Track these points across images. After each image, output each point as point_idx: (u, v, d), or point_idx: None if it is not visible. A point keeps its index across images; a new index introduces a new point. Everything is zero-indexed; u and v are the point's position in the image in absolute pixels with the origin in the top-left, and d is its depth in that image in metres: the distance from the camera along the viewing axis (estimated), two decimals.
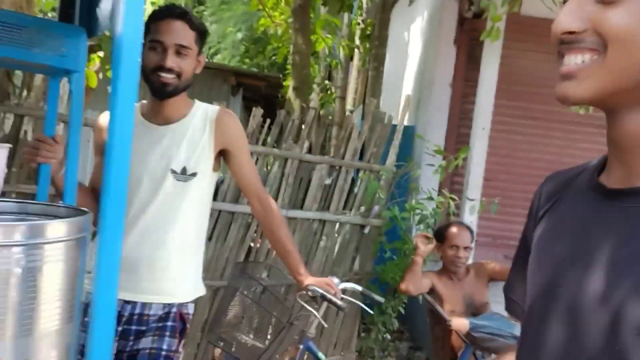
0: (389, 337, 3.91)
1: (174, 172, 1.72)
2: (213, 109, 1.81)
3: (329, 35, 5.80)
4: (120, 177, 0.89)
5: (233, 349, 2.06)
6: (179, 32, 1.63)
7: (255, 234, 3.21)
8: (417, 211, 3.64)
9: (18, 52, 1.32)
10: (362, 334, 3.74)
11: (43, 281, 0.90)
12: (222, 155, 1.83)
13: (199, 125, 1.77)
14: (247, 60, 9.18)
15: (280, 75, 7.05)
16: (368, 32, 5.17)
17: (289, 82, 5.71)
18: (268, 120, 3.23)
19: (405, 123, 4.33)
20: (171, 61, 1.63)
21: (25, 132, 2.67)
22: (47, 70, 1.59)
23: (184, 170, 1.72)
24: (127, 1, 0.89)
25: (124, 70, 0.87)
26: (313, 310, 1.89)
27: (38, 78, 2.69)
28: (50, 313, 0.92)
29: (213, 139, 1.77)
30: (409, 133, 4.55)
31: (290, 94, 4.79)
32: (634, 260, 0.63)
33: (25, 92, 2.67)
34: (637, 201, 0.65)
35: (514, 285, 0.88)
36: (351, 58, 6.88)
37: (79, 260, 0.97)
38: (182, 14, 1.69)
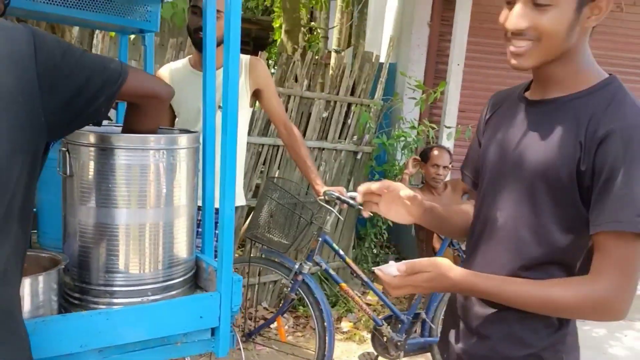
0: (379, 249, 4.55)
1: (220, 107, 2.22)
2: (246, 57, 2.29)
3: None
4: (232, 112, 1.39)
5: (265, 246, 2.65)
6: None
7: (264, 161, 3.73)
8: (402, 138, 4.20)
9: (114, 19, 1.78)
10: (358, 243, 4.36)
11: (178, 172, 1.42)
12: (255, 95, 2.33)
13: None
14: None
15: (270, 18, 7.34)
16: None
17: (279, 24, 6.06)
18: (272, 63, 3.68)
19: (391, 60, 4.80)
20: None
21: None
22: (121, 30, 2.04)
23: None
24: None
25: (232, 32, 1.36)
26: (331, 208, 2.46)
27: (75, 30, 3.09)
28: (182, 192, 1.44)
29: (249, 81, 2.26)
30: (392, 70, 5.02)
31: (282, 36, 5.18)
32: (537, 139, 1.12)
33: None
34: (546, 106, 1.14)
35: (467, 165, 1.40)
36: None
37: (195, 161, 1.49)
38: None
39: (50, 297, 1.25)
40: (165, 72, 2.34)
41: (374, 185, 1.29)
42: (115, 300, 1.35)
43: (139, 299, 1.36)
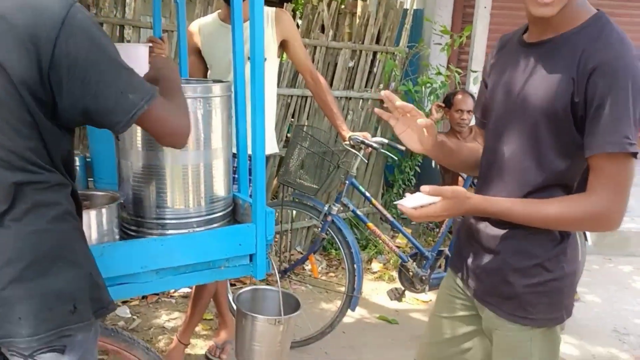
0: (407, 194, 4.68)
1: (249, 59, 2.36)
2: (272, 9, 2.40)
3: None
4: (259, 62, 1.53)
5: (296, 190, 2.83)
6: None
7: (294, 111, 3.88)
8: (428, 85, 4.26)
9: None
10: (386, 190, 4.51)
11: (213, 118, 1.58)
12: (282, 46, 2.45)
13: (264, 22, 2.38)
14: None
15: None
16: None
17: None
18: (297, 14, 3.77)
19: (415, 6, 4.79)
20: None
21: None
22: None
23: None
24: None
25: None
26: (357, 152, 2.61)
27: None
28: (218, 136, 1.60)
29: (275, 32, 2.38)
30: (418, 16, 5.01)
31: None
32: (537, 78, 1.25)
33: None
34: (542, 47, 1.26)
35: (477, 107, 1.54)
36: None
37: (228, 109, 1.66)
38: None
39: (112, 227, 1.46)
40: (195, 27, 2.48)
41: (397, 102, 1.36)
42: (166, 232, 1.56)
43: (186, 230, 1.56)
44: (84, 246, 1.17)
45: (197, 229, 1.57)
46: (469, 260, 1.43)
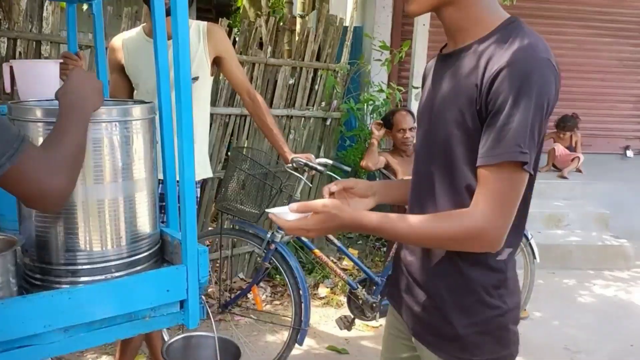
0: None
1: (174, 78, 2.15)
2: (203, 24, 2.22)
3: None
4: (185, 79, 1.34)
5: (236, 217, 2.62)
6: None
7: (232, 131, 3.67)
8: (370, 102, 4.17)
9: None
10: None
11: (134, 145, 1.37)
12: (216, 63, 2.26)
13: (194, 38, 2.18)
14: None
15: None
16: None
17: None
18: (234, 30, 3.59)
19: (354, 24, 4.73)
20: None
21: (20, 53, 2.97)
22: None
23: None
24: None
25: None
26: (300, 175, 2.44)
27: (23, 2, 2.94)
28: (140, 165, 1.39)
29: (208, 48, 2.19)
30: (358, 33, 4.95)
31: (244, 2, 5.04)
32: (447, 89, 1.15)
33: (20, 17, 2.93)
34: (454, 57, 1.16)
35: None
36: None
37: (152, 133, 1.45)
38: None
39: (8, 279, 1.21)
40: (118, 42, 2.26)
41: (332, 188, 1.33)
42: (78, 279, 1.32)
43: (102, 277, 1.33)
44: None
45: (117, 274, 1.34)
46: (405, 296, 1.30)
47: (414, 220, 1.11)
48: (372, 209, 1.26)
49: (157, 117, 1.50)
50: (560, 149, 5.52)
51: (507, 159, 1.01)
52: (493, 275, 1.15)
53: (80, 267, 1.32)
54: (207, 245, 3.62)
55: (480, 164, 1.05)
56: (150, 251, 1.44)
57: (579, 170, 5.51)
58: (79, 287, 1.28)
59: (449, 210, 1.13)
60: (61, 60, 1.80)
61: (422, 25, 4.69)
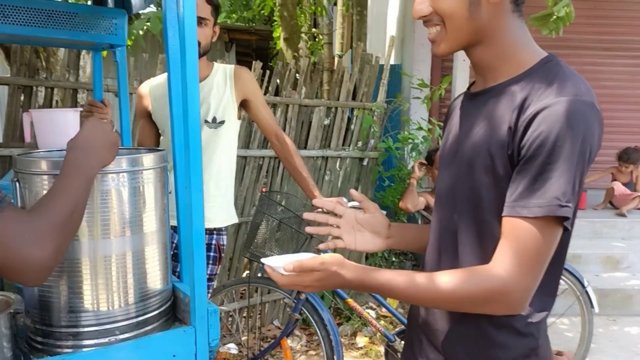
0: (393, 257, 4.38)
1: (207, 122, 2.10)
2: (230, 67, 2.17)
3: None
4: (195, 129, 1.26)
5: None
6: (198, 6, 1.97)
7: (266, 174, 3.61)
8: (409, 141, 4.03)
9: (79, 35, 1.67)
10: (370, 254, 4.20)
11: (142, 196, 1.29)
12: (243, 105, 2.20)
13: (221, 81, 2.13)
14: (233, 16, 9.34)
15: (270, 28, 7.25)
16: None
17: (279, 34, 5.96)
18: (268, 72, 3.56)
19: (392, 62, 4.64)
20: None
21: (57, 102, 3.01)
22: (93, 47, 1.93)
23: (214, 119, 2.10)
24: None
25: (189, 41, 1.23)
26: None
27: (60, 52, 3.01)
28: (150, 217, 1.31)
29: (234, 91, 2.14)
30: (396, 71, 4.87)
31: (281, 45, 5.07)
32: (475, 130, 1.02)
33: (55, 67, 2.99)
34: (483, 96, 1.05)
35: None
36: (335, 4, 7.09)
37: (163, 182, 1.37)
38: None
39: (2, 344, 1.13)
40: (145, 89, 2.23)
41: (329, 205, 1.32)
42: (81, 342, 1.22)
43: (106, 339, 1.23)
44: None
45: (122, 336, 1.24)
46: (419, 356, 1.16)
47: (426, 280, 0.97)
48: None
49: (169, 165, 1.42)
50: (620, 188, 5.19)
51: (545, 213, 0.88)
52: (523, 341, 1.00)
53: (83, 329, 1.23)
54: (242, 293, 3.52)
55: (510, 214, 0.91)
56: (160, 310, 1.34)
57: (638, 208, 5.16)
58: (81, 352, 1.18)
59: (471, 264, 1.00)
60: (81, 109, 1.76)
61: (462, 61, 4.56)
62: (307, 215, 1.34)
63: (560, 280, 2.74)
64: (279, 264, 1.06)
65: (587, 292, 2.80)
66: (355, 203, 2.52)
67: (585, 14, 5.65)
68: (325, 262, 1.01)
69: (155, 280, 1.33)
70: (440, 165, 1.16)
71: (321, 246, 1.30)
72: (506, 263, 0.91)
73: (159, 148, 1.48)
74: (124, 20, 1.75)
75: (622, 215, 4.98)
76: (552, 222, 0.89)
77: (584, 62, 5.93)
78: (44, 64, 2.98)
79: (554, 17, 3.52)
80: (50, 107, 2.99)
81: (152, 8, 3.30)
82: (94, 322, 1.23)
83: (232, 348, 3.27)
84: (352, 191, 1.36)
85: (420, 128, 4.09)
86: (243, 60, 5.56)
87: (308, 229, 1.34)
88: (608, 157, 5.45)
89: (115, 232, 1.25)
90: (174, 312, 1.41)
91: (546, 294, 1.02)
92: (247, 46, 7.80)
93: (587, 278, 3.07)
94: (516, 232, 0.90)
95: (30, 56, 2.92)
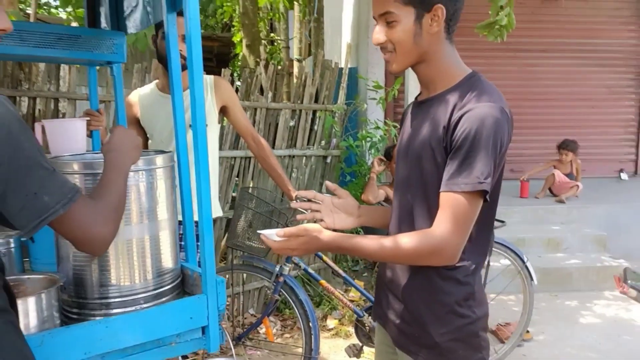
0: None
1: (191, 125, 2.35)
2: (210, 77, 2.44)
3: None
4: (201, 129, 1.53)
5: (245, 253, 2.78)
6: (182, 26, 2.23)
7: (237, 173, 3.87)
8: (368, 139, 4.38)
9: (84, 54, 1.92)
10: None
11: (157, 190, 1.56)
12: (222, 111, 2.48)
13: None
14: None
15: (230, 35, 7.48)
16: None
17: (239, 38, 6.21)
18: (236, 78, 3.82)
19: (350, 65, 4.97)
20: (180, 47, 2.23)
21: (39, 110, 3.20)
22: (90, 62, 2.16)
23: None
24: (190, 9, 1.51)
25: (195, 56, 1.51)
26: (304, 210, 2.60)
27: (41, 64, 3.19)
28: (162, 207, 1.57)
29: (215, 99, 2.41)
30: (353, 74, 5.20)
31: (244, 50, 5.33)
32: (420, 130, 1.35)
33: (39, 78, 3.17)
34: (426, 104, 1.37)
35: None
36: (292, 9, 7.39)
37: (172, 178, 1.64)
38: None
39: (52, 312, 1.38)
40: (134, 97, 2.47)
41: (330, 185, 1.58)
42: (111, 311, 1.48)
43: (132, 308, 1.49)
44: (19, 343, 1.09)
45: (145, 305, 1.51)
46: (388, 312, 1.47)
47: (385, 240, 1.29)
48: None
49: (174, 165, 1.69)
50: (560, 176, 5.67)
51: (470, 189, 1.20)
52: (462, 288, 1.33)
53: (112, 300, 1.49)
54: None
55: (444, 190, 1.24)
56: (173, 284, 1.61)
57: (576, 196, 5.66)
58: (112, 317, 1.44)
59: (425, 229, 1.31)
60: (88, 118, 2.00)
61: None
62: (294, 205, 1.63)
63: (504, 258, 3.13)
64: (272, 232, 1.36)
65: (527, 267, 3.20)
66: (323, 195, 2.81)
67: (525, 19, 6.15)
68: (308, 228, 1.32)
69: (167, 259, 1.60)
70: (397, 159, 1.49)
71: (299, 217, 1.60)
72: (442, 226, 1.23)
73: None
74: (123, 40, 2.00)
75: (562, 202, 5.48)
76: (475, 195, 1.22)
77: (525, 64, 6.43)
78: (25, 75, 3.15)
79: (498, 25, 3.93)
80: (34, 115, 3.17)
81: None
82: (120, 294, 1.50)
83: None
84: (327, 182, 1.66)
85: (377, 127, 4.44)
86: (205, 65, 5.75)
87: (299, 217, 1.62)
88: (549, 151, 5.95)
89: (135, 219, 1.51)
90: (183, 287, 1.68)
91: (479, 253, 1.36)
92: (210, 52, 8.02)
93: (531, 259, 3.47)
94: (449, 203, 1.23)
95: (13, 68, 3.10)
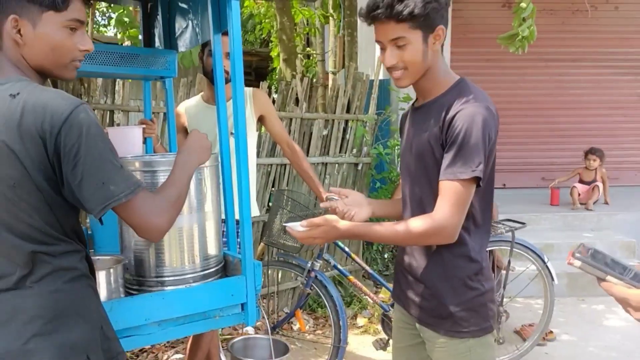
0: (389, 252, 4.90)
1: (232, 133, 2.64)
2: (249, 89, 2.71)
3: (305, 8, 6.61)
4: (242, 136, 1.80)
5: (281, 250, 3.04)
6: (226, 44, 2.51)
7: (274, 180, 4.14)
8: (397, 147, 4.59)
9: (141, 70, 2.22)
10: (366, 247, 4.73)
11: (205, 186, 1.82)
12: (260, 120, 2.75)
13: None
14: None
15: (268, 49, 7.84)
16: (339, 2, 5.99)
17: (277, 53, 6.53)
18: (273, 89, 4.11)
19: (381, 77, 5.21)
20: (224, 63, 2.51)
21: None
22: (145, 77, 2.47)
23: None
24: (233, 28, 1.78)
25: (237, 71, 1.77)
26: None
27: (99, 79, 3.54)
28: (209, 200, 1.83)
29: (253, 109, 2.68)
30: (384, 86, 5.43)
31: (281, 64, 5.64)
32: (420, 131, 1.57)
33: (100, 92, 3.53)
34: (422, 109, 1.59)
35: None
36: (327, 23, 7.70)
37: (217, 177, 1.90)
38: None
39: (118, 286, 1.66)
40: (181, 109, 2.77)
41: (332, 191, 1.85)
42: (165, 288, 1.75)
43: (183, 286, 1.76)
44: (96, 303, 1.35)
45: (193, 284, 1.77)
46: (407, 291, 1.68)
47: (395, 224, 1.52)
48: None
49: (219, 165, 1.96)
50: (580, 186, 5.70)
51: (465, 176, 1.42)
52: (473, 265, 1.54)
53: (166, 278, 1.76)
54: None
55: (442, 179, 1.46)
56: (217, 267, 1.87)
57: (606, 203, 5.70)
58: (167, 290, 1.71)
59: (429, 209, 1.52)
60: (144, 126, 2.30)
61: None
62: (324, 204, 1.85)
63: (526, 259, 3.27)
64: (296, 224, 1.59)
65: (547, 267, 3.34)
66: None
67: (556, 29, 6.27)
68: (327, 218, 1.55)
69: (212, 246, 1.86)
70: (402, 157, 1.71)
71: (323, 205, 1.82)
72: (441, 209, 1.45)
73: None
74: (175, 57, 2.30)
75: (590, 209, 5.54)
76: (470, 181, 1.43)
77: (556, 73, 6.53)
78: (85, 89, 3.51)
79: (519, 36, 4.10)
80: None
81: None
82: (173, 274, 1.76)
83: (250, 330, 3.78)
84: (332, 188, 1.88)
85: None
86: (244, 78, 6.08)
87: (323, 205, 1.86)
88: (576, 159, 6.01)
89: (185, 211, 1.78)
90: (224, 271, 1.94)
91: (484, 233, 1.58)
92: (248, 66, 8.39)
93: (559, 265, 3.59)
94: (447, 189, 1.45)
95: (74, 83, 3.46)
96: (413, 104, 1.70)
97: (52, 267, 1.24)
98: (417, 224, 1.48)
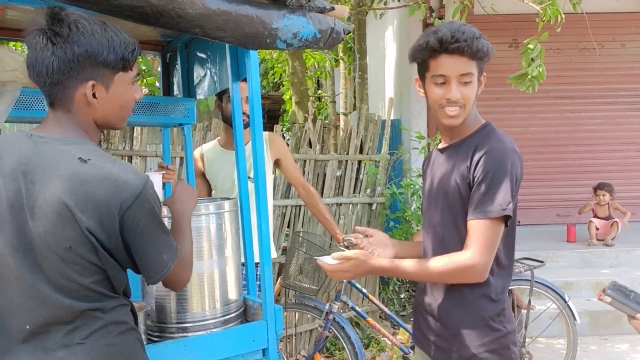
0: (405, 292, 4.86)
1: (249, 177, 2.68)
2: (266, 134, 2.76)
3: (316, 52, 6.76)
4: (261, 180, 1.83)
5: (298, 293, 3.03)
6: (243, 90, 2.58)
7: (289, 222, 4.16)
8: (411, 187, 4.60)
9: (162, 118, 2.28)
10: (383, 287, 4.69)
11: (225, 231, 1.85)
12: (276, 163, 2.79)
13: None
14: None
15: (280, 93, 7.99)
16: (349, 46, 6.13)
17: (290, 97, 6.66)
18: (286, 131, 4.17)
19: (392, 117, 5.27)
20: (244, 108, 2.56)
21: None
22: (164, 124, 2.54)
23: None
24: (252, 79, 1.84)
25: (256, 116, 1.82)
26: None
27: None
28: (229, 245, 1.86)
29: (270, 153, 2.73)
30: (396, 125, 5.49)
31: (293, 107, 5.74)
32: (446, 171, 1.59)
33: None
34: (449, 150, 1.62)
35: None
36: (337, 66, 7.86)
37: (237, 221, 1.93)
38: None
39: (142, 332, 1.66)
40: (198, 154, 2.83)
41: (359, 233, 1.85)
42: (187, 335, 1.76)
43: (204, 332, 1.76)
44: (144, 354, 1.36)
45: (214, 330, 1.77)
46: (428, 333, 1.67)
47: (423, 261, 1.54)
48: None
49: (238, 210, 1.98)
50: (596, 222, 5.66)
51: (494, 215, 1.44)
52: (494, 305, 1.54)
53: (188, 324, 1.76)
54: None
55: (471, 218, 1.48)
56: (237, 312, 1.87)
57: (618, 231, 5.61)
58: (189, 337, 1.71)
59: (452, 248, 1.53)
60: (163, 172, 2.35)
61: None
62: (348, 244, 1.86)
63: (546, 298, 3.24)
64: (327, 257, 1.61)
65: (569, 307, 3.28)
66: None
67: (563, 67, 6.34)
68: (358, 253, 1.57)
69: (232, 290, 1.87)
70: (425, 198, 1.72)
71: (347, 242, 1.84)
72: (471, 248, 1.46)
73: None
74: (193, 105, 2.36)
75: (609, 245, 5.46)
76: (498, 220, 1.45)
77: (566, 110, 6.56)
78: (104, 136, 3.60)
79: (529, 76, 4.15)
80: None
81: None
82: (194, 319, 1.77)
83: None
84: (357, 227, 1.91)
85: (419, 175, 4.67)
86: None
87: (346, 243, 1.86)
88: (588, 195, 5.97)
89: (206, 255, 1.80)
90: (245, 316, 1.94)
91: (506, 275, 1.59)
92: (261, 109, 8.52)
93: (579, 303, 3.53)
94: (477, 228, 1.46)
95: None
96: (437, 146, 1.73)
97: (103, 322, 1.26)
98: (447, 261, 1.50)
